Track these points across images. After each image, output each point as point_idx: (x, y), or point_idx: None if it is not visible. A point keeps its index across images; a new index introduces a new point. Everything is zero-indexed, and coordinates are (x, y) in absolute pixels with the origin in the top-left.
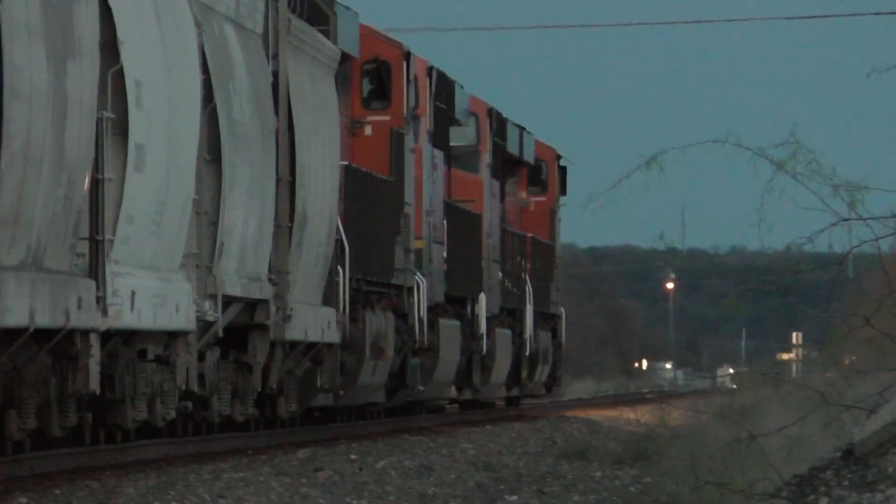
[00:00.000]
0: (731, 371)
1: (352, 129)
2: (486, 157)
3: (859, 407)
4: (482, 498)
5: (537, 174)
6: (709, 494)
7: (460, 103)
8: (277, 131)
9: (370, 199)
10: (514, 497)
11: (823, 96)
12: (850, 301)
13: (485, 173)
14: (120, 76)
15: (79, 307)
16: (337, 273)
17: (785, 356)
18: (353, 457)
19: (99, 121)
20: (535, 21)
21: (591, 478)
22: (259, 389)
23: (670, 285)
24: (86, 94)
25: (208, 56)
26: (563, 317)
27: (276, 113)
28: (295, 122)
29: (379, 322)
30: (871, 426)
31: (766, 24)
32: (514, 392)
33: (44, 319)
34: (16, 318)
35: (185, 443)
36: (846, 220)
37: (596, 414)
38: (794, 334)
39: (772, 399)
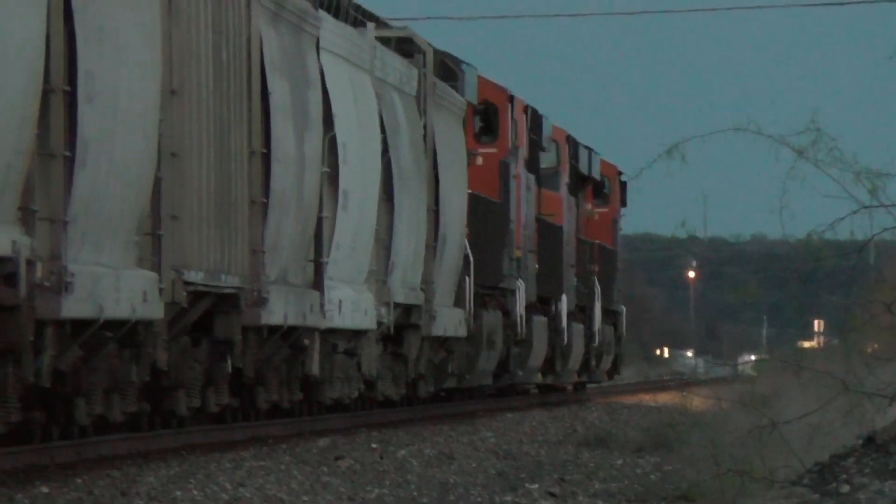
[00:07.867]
0: (753, 358)
1: (466, 159)
2: (564, 177)
3: (881, 395)
4: (503, 486)
5: (601, 188)
6: (730, 482)
7: (546, 132)
8: (426, 172)
9: (486, 219)
10: (535, 485)
11: (844, 83)
12: (871, 288)
13: (564, 191)
14: (333, 140)
15: (311, 311)
16: (464, 280)
17: (806, 344)
18: (373, 445)
19: (321, 174)
20: (549, 10)
21: (611, 465)
22: (413, 376)
23: (691, 273)
24: (315, 156)
25: (384, 119)
26: (624, 313)
27: (425, 157)
28: (439, 163)
29: (491, 319)
30: (892, 414)
31: (786, 11)
32: (584, 378)
33: (291, 320)
34: (276, 318)
35: (206, 431)
36: (867, 206)
37: (617, 401)
38: (816, 322)
39: (793, 386)
